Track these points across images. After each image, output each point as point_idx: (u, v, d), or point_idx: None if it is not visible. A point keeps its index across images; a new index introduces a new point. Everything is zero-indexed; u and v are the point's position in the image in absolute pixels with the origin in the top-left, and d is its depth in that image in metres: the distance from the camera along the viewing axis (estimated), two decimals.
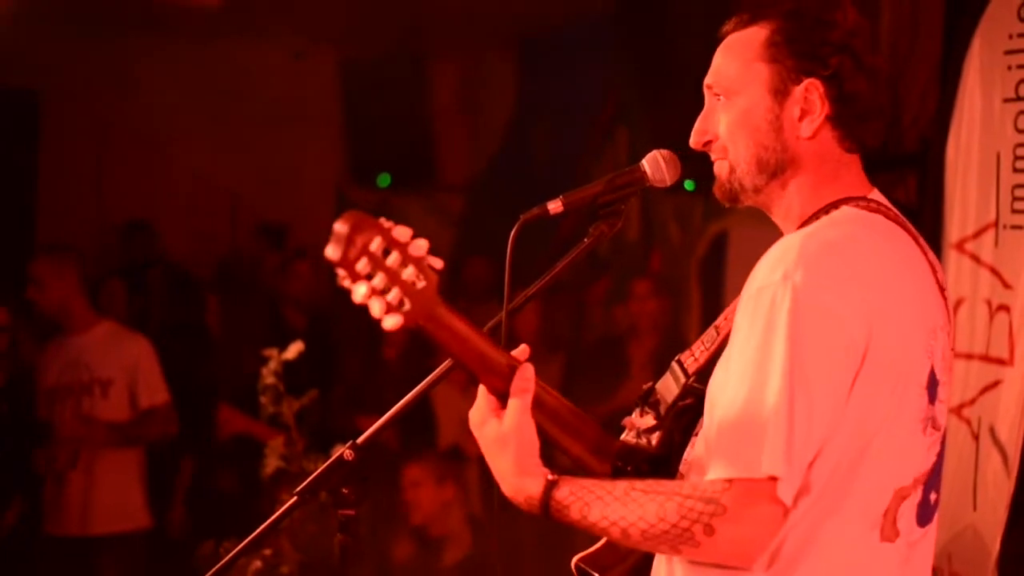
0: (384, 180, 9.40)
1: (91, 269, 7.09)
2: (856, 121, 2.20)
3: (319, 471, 2.19)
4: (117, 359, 5.70)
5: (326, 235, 1.89)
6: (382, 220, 1.90)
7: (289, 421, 4.89)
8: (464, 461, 6.42)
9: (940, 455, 2.20)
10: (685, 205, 7.45)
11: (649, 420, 2.26)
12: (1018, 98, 4.07)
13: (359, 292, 1.88)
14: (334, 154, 9.40)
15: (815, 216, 2.19)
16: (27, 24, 7.14)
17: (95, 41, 8.09)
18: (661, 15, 7.24)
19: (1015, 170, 4.06)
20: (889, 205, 2.23)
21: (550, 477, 2.07)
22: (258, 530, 2.29)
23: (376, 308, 1.90)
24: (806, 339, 1.99)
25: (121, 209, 8.65)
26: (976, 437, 4.10)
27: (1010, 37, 4.11)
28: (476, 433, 2.14)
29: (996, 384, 4.04)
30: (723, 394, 2.05)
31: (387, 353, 6.54)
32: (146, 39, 8.22)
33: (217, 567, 2.31)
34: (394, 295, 1.90)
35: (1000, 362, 4.04)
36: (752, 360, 2.01)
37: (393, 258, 1.89)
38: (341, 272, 1.87)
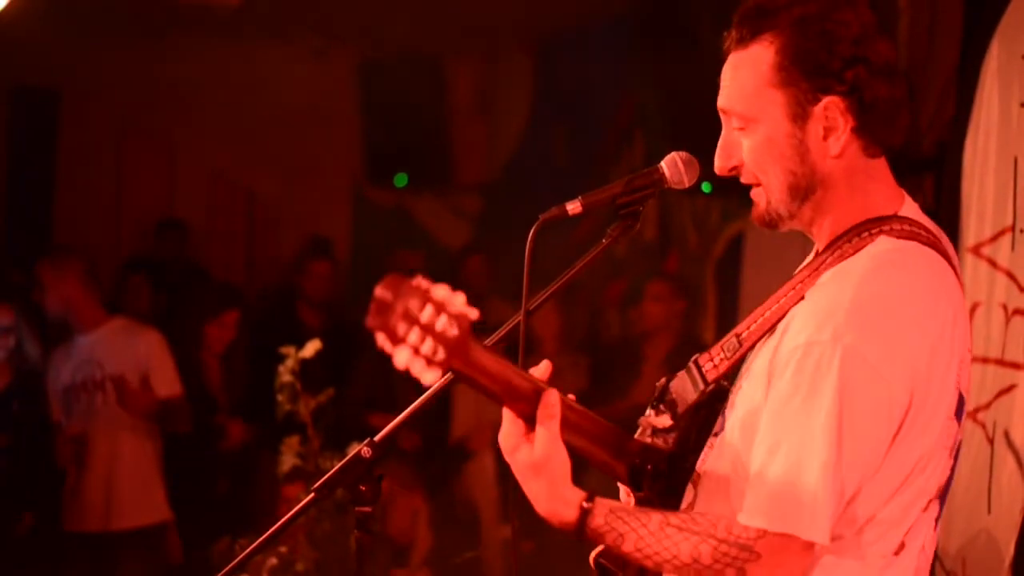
0: (401, 180, 9.41)
1: (108, 267, 7.14)
2: (882, 126, 2.16)
3: (337, 468, 2.20)
4: (129, 354, 5.72)
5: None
6: (420, 280, 1.91)
7: (306, 419, 4.90)
8: (469, 456, 6.45)
9: (954, 467, 2.22)
10: (702, 207, 7.45)
11: (666, 420, 2.28)
12: None
13: (400, 358, 1.90)
14: (352, 154, 9.41)
15: (847, 238, 2.16)
16: (47, 24, 7.16)
17: (115, 41, 8.12)
18: (678, 17, 7.24)
19: None
20: (922, 219, 2.20)
21: (585, 505, 2.10)
22: (274, 527, 2.30)
23: (416, 367, 1.91)
24: (854, 403, 2.02)
25: (139, 208, 8.69)
26: (991, 441, 4.10)
27: None
28: (508, 459, 2.14)
29: (1011, 388, 4.04)
30: (763, 442, 2.08)
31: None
32: (165, 38, 8.24)
33: (233, 564, 2.32)
34: (428, 346, 1.91)
35: (1016, 366, 4.03)
36: (797, 416, 2.04)
37: (427, 313, 1.90)
38: (381, 337, 1.89)
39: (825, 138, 2.15)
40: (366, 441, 2.20)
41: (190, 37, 8.30)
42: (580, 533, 2.10)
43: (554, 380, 2.17)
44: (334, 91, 9.13)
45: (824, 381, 2.02)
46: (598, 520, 2.09)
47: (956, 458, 2.22)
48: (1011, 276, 4.12)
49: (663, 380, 2.32)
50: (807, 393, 2.03)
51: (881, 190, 2.20)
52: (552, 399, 2.10)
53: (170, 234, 8.33)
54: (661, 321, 6.46)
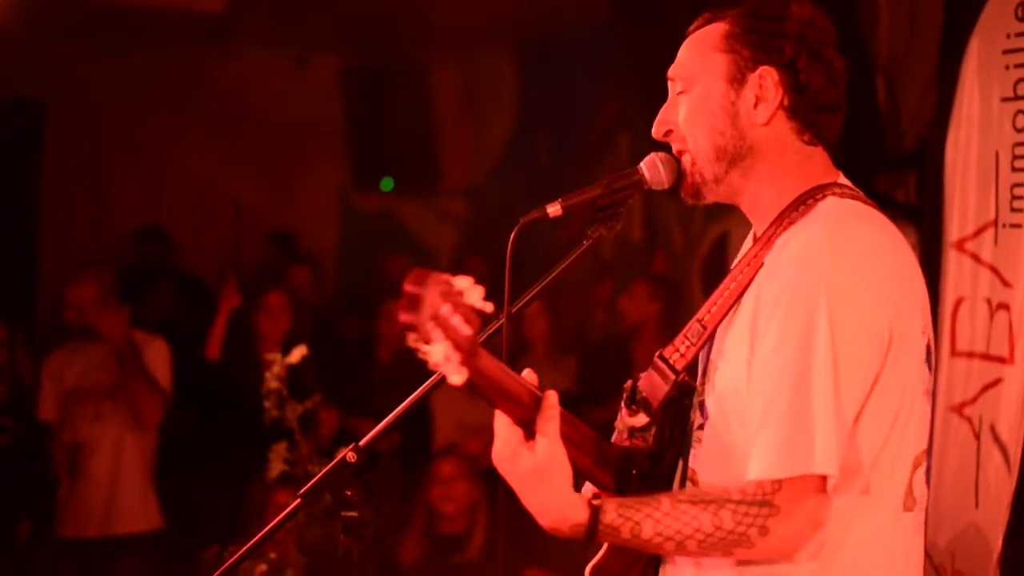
0: (387, 184, 9.42)
1: None
2: (813, 112, 2.24)
3: (322, 473, 2.21)
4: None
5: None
6: (442, 276, 1.90)
7: (293, 425, 4.89)
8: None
9: (932, 420, 2.27)
10: (687, 207, 7.43)
11: (641, 419, 2.28)
12: (1016, 97, 4.08)
13: (436, 354, 1.88)
14: (337, 160, 9.42)
15: (794, 207, 2.22)
16: (31, 34, 7.16)
17: (99, 50, 8.12)
18: (660, 21, 7.26)
19: (1014, 169, 4.07)
20: (857, 188, 2.28)
21: (594, 502, 2.07)
22: (262, 532, 2.31)
23: (449, 369, 1.90)
24: (845, 339, 2.06)
25: (125, 218, 8.68)
26: (977, 436, 4.11)
27: (1008, 36, 4.12)
28: (506, 467, 2.09)
29: (997, 382, 4.05)
30: (762, 392, 2.10)
31: (382, 356, 6.55)
32: (149, 48, 8.24)
33: (221, 569, 2.32)
34: (447, 349, 1.89)
35: (1000, 360, 4.05)
36: (792, 360, 2.06)
37: (446, 309, 1.89)
38: (413, 336, 1.88)
39: (755, 106, 2.24)
40: (351, 446, 2.21)
41: (174, 46, 8.30)
42: (593, 533, 2.07)
43: (541, 386, 2.15)
44: (318, 98, 9.14)
45: (816, 320, 2.06)
46: (610, 515, 2.06)
47: (933, 409, 2.27)
48: (995, 271, 4.13)
49: (630, 381, 2.32)
50: (799, 335, 2.06)
51: (818, 166, 2.28)
52: (553, 400, 2.09)
53: (151, 242, 8.27)
54: (635, 319, 6.44)
